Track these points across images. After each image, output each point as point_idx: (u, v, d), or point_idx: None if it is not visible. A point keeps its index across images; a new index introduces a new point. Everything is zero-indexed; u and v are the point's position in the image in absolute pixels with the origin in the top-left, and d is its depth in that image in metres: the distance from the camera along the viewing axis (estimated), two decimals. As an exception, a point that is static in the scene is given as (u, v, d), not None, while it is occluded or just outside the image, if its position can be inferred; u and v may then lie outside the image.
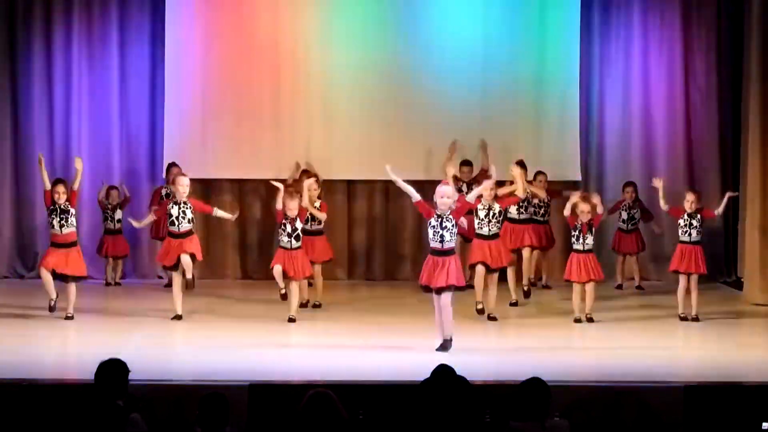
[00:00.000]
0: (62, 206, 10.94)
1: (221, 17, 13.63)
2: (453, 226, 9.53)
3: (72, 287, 10.94)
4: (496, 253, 11.06)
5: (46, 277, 10.91)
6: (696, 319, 11.15)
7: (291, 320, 10.83)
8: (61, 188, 11.01)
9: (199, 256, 11.20)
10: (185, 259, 10.92)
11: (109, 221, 13.20)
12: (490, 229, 11.08)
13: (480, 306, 11.00)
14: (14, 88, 13.67)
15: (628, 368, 8.94)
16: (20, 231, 13.73)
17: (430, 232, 9.56)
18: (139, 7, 13.72)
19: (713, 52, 13.98)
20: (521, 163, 12.14)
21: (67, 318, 10.83)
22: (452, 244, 9.57)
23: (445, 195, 9.58)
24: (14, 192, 13.71)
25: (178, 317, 10.94)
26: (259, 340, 10.10)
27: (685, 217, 11.31)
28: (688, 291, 11.22)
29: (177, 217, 11.00)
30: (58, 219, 10.93)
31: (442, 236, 9.51)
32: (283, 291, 10.89)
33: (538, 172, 13.03)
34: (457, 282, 9.51)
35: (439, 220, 9.53)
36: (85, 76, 13.69)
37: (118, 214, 13.17)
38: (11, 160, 13.68)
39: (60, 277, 10.93)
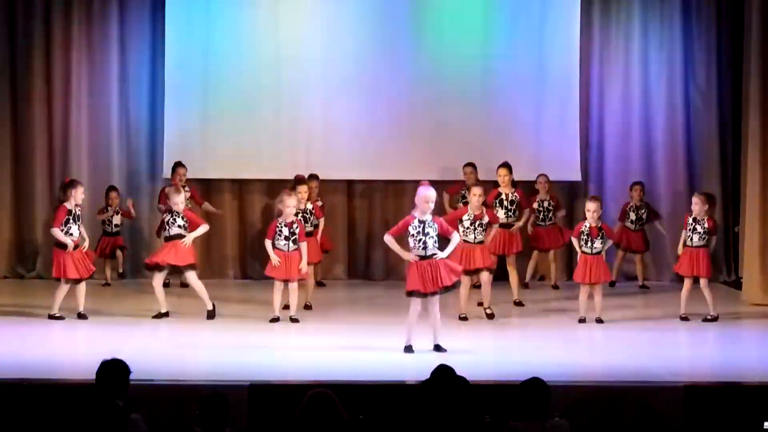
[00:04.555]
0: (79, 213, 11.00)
1: (221, 17, 13.63)
2: (435, 232, 9.43)
3: (83, 285, 10.99)
4: (472, 258, 11.03)
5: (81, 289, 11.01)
6: (714, 318, 11.09)
7: (294, 320, 10.85)
8: (81, 189, 11.02)
9: (191, 259, 11.17)
10: (191, 279, 11.06)
11: (106, 225, 13.12)
12: (475, 237, 11.08)
13: (463, 315, 11.07)
14: (14, 88, 13.66)
15: (628, 368, 8.94)
16: (20, 231, 13.73)
17: (411, 240, 9.47)
18: (139, 7, 13.73)
19: (713, 52, 13.99)
20: (506, 165, 12.15)
21: (81, 317, 10.89)
22: (435, 250, 9.48)
23: (430, 200, 9.45)
24: (14, 192, 13.71)
25: (164, 314, 10.97)
26: (259, 340, 10.10)
27: (690, 221, 11.27)
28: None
29: (168, 222, 11.07)
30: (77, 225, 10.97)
31: (424, 243, 9.43)
32: (275, 316, 10.89)
33: (539, 174, 13.07)
34: (450, 282, 9.51)
35: (421, 225, 9.43)
36: (85, 76, 13.70)
37: (117, 219, 13.13)
38: (11, 160, 13.68)
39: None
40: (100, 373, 6.63)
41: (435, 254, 9.47)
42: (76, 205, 10.92)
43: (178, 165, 12.89)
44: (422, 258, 9.46)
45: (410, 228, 9.47)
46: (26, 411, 7.74)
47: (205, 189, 13.54)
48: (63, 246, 10.85)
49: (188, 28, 13.61)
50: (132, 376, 6.70)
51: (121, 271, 13.31)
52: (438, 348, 9.49)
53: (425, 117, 13.64)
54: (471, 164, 13.10)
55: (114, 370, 6.64)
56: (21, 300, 12.06)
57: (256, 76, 13.62)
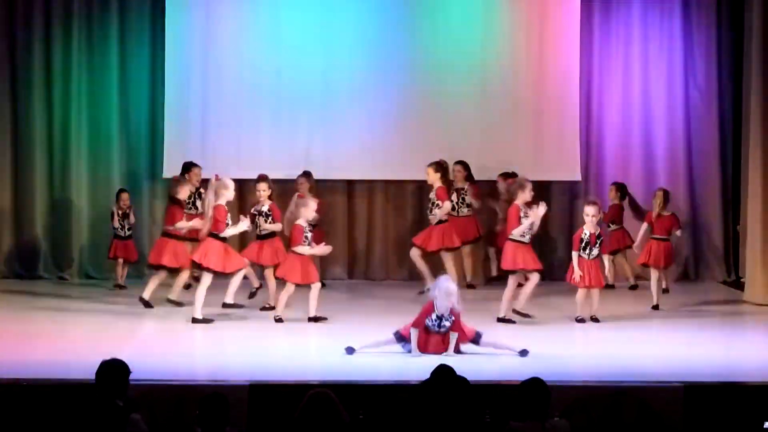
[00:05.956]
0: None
1: (221, 17, 13.63)
2: (451, 324, 9.25)
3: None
4: (526, 258, 10.98)
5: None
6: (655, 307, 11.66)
7: (321, 319, 10.92)
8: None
9: None
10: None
11: (119, 228, 12.83)
12: (528, 238, 11.01)
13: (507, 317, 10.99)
14: (14, 88, 13.66)
15: (628, 368, 8.93)
16: (20, 231, 13.72)
17: (427, 322, 9.26)
18: (139, 7, 13.72)
19: (713, 52, 13.99)
20: (438, 164, 12.13)
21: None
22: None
23: (453, 293, 9.27)
24: (14, 192, 13.70)
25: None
26: (259, 340, 10.10)
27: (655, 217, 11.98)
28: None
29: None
30: None
31: (438, 331, 9.29)
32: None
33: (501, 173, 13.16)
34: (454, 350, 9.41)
35: (438, 320, 9.28)
36: (85, 76, 13.69)
37: (128, 222, 12.87)
38: (11, 159, 13.67)
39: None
40: (100, 373, 6.63)
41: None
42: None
43: (193, 165, 12.73)
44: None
45: (426, 320, 9.31)
46: (26, 411, 7.75)
47: (205, 189, 13.50)
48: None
49: (188, 28, 13.61)
50: (132, 376, 6.70)
51: (122, 283, 12.88)
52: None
53: (425, 117, 13.63)
54: (460, 162, 13.07)
55: (114, 370, 6.64)
56: (21, 300, 12.06)
57: (256, 76, 13.61)
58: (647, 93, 14.00)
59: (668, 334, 10.66)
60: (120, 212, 12.88)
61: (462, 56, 13.65)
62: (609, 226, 13.05)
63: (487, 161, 13.42)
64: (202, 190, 12.35)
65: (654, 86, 13.99)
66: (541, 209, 10.90)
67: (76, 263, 13.64)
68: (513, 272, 10.97)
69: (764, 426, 7.68)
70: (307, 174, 12.95)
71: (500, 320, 10.88)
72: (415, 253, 12.37)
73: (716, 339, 10.51)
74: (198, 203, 12.50)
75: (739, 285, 13.11)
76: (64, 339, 10.16)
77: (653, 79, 13.99)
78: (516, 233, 10.88)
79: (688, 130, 14.03)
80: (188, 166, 12.74)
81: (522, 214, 10.89)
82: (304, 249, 10.78)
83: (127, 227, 12.88)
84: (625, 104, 14.02)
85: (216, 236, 10.80)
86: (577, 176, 13.85)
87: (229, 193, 10.96)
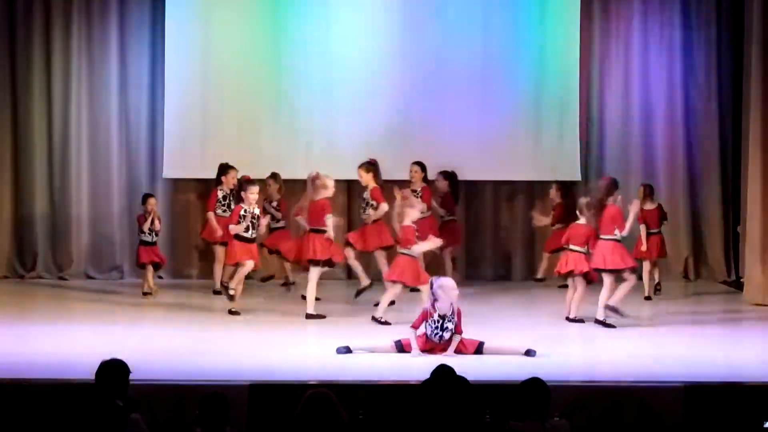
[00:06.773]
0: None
1: (221, 17, 13.64)
2: (453, 325, 9.24)
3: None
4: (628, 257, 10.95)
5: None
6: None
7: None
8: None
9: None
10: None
11: (145, 234, 12.40)
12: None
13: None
14: (14, 88, 13.68)
15: (628, 368, 8.94)
16: (20, 231, 13.72)
17: (428, 329, 9.27)
18: (139, 7, 13.73)
19: (713, 51, 14.01)
20: (368, 164, 11.99)
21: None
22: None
23: (455, 288, 9.27)
24: (14, 192, 13.72)
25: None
26: (259, 340, 10.10)
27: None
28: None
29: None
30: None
31: (440, 337, 9.29)
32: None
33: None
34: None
35: (440, 321, 9.28)
36: (85, 76, 13.70)
37: (157, 227, 12.44)
38: (11, 160, 13.69)
39: None
40: (100, 373, 6.63)
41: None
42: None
43: (230, 167, 12.55)
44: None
45: (426, 324, 9.31)
46: (26, 411, 7.75)
47: (205, 189, 13.52)
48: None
49: (188, 28, 13.63)
50: (132, 376, 6.70)
51: (151, 290, 12.43)
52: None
53: (425, 117, 13.64)
54: (418, 163, 12.96)
55: (114, 370, 6.64)
56: (21, 300, 12.05)
57: (256, 76, 13.63)
58: (647, 93, 14.01)
59: (668, 334, 10.65)
60: (148, 217, 12.43)
61: (462, 56, 13.66)
62: (553, 226, 13.08)
63: (487, 161, 13.43)
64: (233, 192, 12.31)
65: (654, 86, 14.00)
66: (636, 205, 11.01)
67: (76, 263, 13.64)
68: (613, 271, 10.82)
69: (764, 426, 7.68)
70: (274, 175, 12.83)
71: (598, 323, 10.79)
72: (349, 253, 12.10)
73: (716, 339, 10.49)
74: (233, 205, 12.34)
75: (739, 285, 13.11)
76: (64, 339, 10.15)
77: (653, 79, 14.00)
78: (620, 234, 10.73)
79: (688, 130, 14.03)
80: (224, 168, 12.57)
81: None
82: (415, 248, 10.82)
83: (154, 233, 12.48)
84: (625, 104, 14.03)
85: (317, 231, 10.96)
86: (577, 176, 13.86)
87: (328, 191, 11.01)
